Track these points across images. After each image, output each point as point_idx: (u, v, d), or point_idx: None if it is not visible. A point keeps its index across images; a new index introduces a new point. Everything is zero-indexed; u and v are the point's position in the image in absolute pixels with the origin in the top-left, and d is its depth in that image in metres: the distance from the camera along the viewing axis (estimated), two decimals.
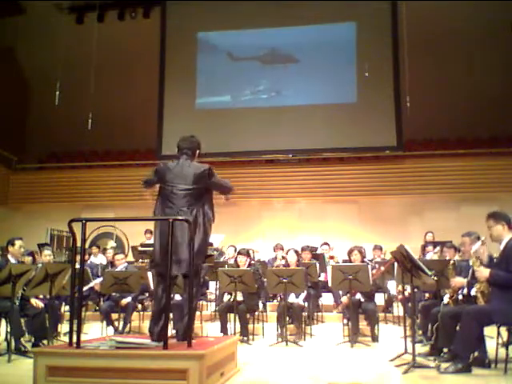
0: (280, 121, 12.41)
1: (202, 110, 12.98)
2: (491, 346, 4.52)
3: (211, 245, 6.91)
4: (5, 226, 12.25)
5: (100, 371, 3.47)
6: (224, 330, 6.47)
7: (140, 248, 8.53)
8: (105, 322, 6.93)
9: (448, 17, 12.50)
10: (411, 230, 11.55)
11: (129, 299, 6.92)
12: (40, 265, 6.03)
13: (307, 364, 5.02)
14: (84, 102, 12.86)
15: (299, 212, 12.62)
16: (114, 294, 6.94)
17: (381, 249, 8.98)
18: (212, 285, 8.39)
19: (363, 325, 6.71)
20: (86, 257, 9.14)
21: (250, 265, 6.93)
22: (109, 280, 6.64)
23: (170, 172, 4.25)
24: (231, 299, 6.56)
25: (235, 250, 8.24)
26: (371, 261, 7.87)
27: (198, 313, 7.15)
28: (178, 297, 6.18)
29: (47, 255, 7.00)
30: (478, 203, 10.68)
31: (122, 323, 6.85)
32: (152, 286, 6.27)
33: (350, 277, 5.96)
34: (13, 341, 5.31)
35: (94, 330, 7.10)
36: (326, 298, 8.26)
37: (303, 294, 6.72)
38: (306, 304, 6.87)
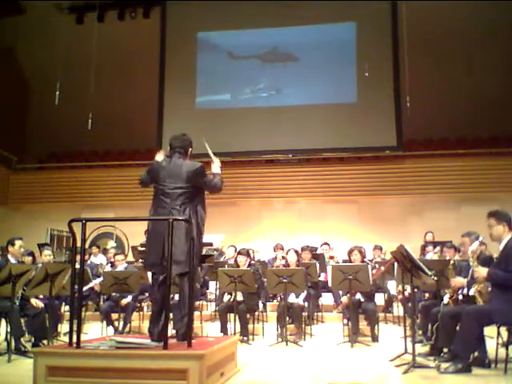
0: (280, 121, 12.41)
1: (202, 109, 12.98)
2: (491, 346, 4.52)
3: (211, 245, 6.92)
4: (5, 226, 12.25)
5: (100, 371, 3.48)
6: (224, 330, 6.48)
7: (140, 248, 8.52)
8: (105, 322, 6.94)
9: (448, 17, 12.50)
10: (411, 229, 11.54)
11: (129, 299, 6.93)
12: (40, 265, 6.03)
13: (307, 364, 5.02)
14: (84, 101, 12.86)
15: (299, 212, 12.62)
16: (113, 294, 6.94)
17: (381, 249, 8.98)
18: (212, 285, 8.39)
19: (363, 325, 6.71)
20: (86, 257, 9.14)
21: (250, 265, 6.93)
22: (109, 280, 6.64)
23: (163, 170, 4.22)
24: (231, 299, 6.56)
25: (235, 250, 8.23)
26: (371, 261, 7.87)
27: (197, 313, 7.20)
28: (178, 297, 6.18)
29: (47, 255, 7.01)
30: (478, 203, 10.67)
31: (121, 323, 6.86)
32: None
33: (350, 277, 5.96)
34: (13, 341, 5.31)
35: (94, 330, 7.10)
36: (326, 298, 8.26)
37: (303, 294, 6.72)
38: (306, 304, 6.87)
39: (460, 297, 5.02)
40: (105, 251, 10.12)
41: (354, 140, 12.16)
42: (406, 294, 6.22)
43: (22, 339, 5.47)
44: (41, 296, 6.05)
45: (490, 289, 4.49)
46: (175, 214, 4.02)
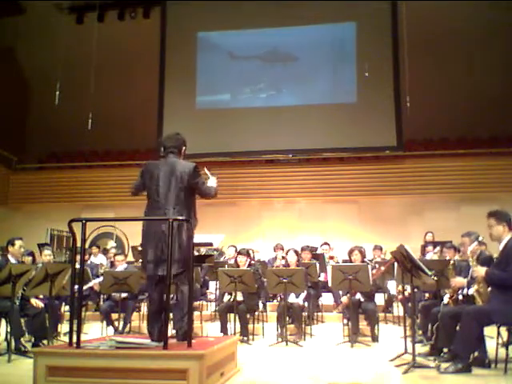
0: (280, 121, 12.41)
1: (202, 109, 12.98)
2: (491, 346, 4.52)
3: (211, 245, 6.92)
4: (5, 226, 12.25)
5: (100, 371, 3.48)
6: (224, 330, 6.48)
7: (140, 248, 8.52)
8: (105, 322, 6.94)
9: (448, 17, 12.50)
10: (411, 229, 11.54)
11: (125, 294, 6.89)
12: (40, 265, 6.03)
13: (307, 364, 5.02)
14: (84, 102, 12.86)
15: (299, 212, 12.62)
16: (113, 294, 6.95)
17: (381, 249, 8.98)
18: (212, 285, 8.40)
19: (363, 325, 6.71)
20: (86, 257, 9.15)
21: (250, 265, 6.93)
22: (109, 280, 6.64)
23: (157, 170, 4.18)
24: (231, 299, 6.56)
25: (236, 250, 8.23)
26: (371, 261, 7.87)
27: (197, 313, 7.21)
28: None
29: (47, 255, 7.01)
30: (478, 203, 10.67)
31: (121, 323, 6.86)
32: None
33: (350, 277, 5.96)
34: (13, 341, 5.31)
35: (94, 330, 7.10)
36: (326, 298, 8.26)
37: (303, 294, 6.72)
38: (306, 304, 6.87)
39: (460, 297, 5.03)
40: (105, 251, 10.12)
41: (353, 140, 12.15)
42: (406, 293, 6.23)
43: (22, 339, 5.47)
44: (41, 296, 6.05)
45: (489, 289, 4.50)
46: (169, 215, 4.01)
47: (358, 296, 6.46)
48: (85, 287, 7.17)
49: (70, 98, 13.04)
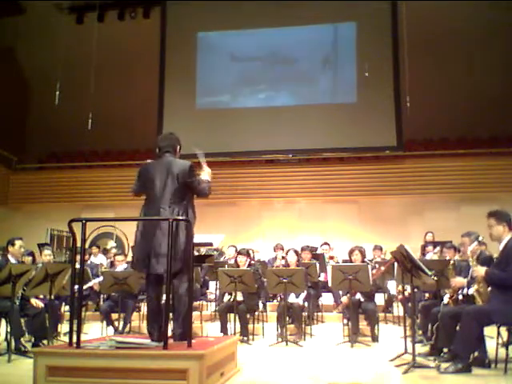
0: (280, 121, 12.41)
1: (202, 109, 12.98)
2: (491, 346, 4.52)
3: (211, 245, 6.92)
4: (5, 226, 12.25)
5: (100, 371, 3.47)
6: (224, 330, 6.48)
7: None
8: (105, 322, 6.94)
9: (448, 17, 12.50)
10: (411, 229, 11.54)
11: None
12: (40, 265, 6.03)
13: (307, 364, 5.02)
14: (84, 102, 12.86)
15: (299, 212, 12.62)
16: (113, 293, 6.95)
17: (381, 249, 8.97)
18: (212, 285, 8.40)
19: (363, 325, 6.71)
20: (86, 257, 9.14)
21: (250, 265, 6.93)
22: (109, 280, 6.65)
23: (153, 169, 4.18)
24: (231, 299, 6.56)
25: (236, 250, 8.23)
26: (371, 261, 7.87)
27: (197, 313, 7.21)
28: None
29: (47, 255, 7.01)
30: (478, 203, 10.67)
31: (121, 323, 6.86)
32: None
33: (350, 277, 5.96)
34: (13, 341, 5.31)
35: (94, 330, 7.10)
36: (326, 298, 8.26)
37: (303, 294, 6.72)
38: (306, 304, 6.87)
39: (460, 297, 5.03)
40: (105, 251, 10.12)
41: (353, 140, 12.15)
42: (406, 294, 6.22)
43: (22, 339, 5.47)
44: (41, 296, 6.05)
45: (489, 289, 4.50)
46: (163, 214, 4.00)
47: (358, 296, 6.46)
48: (85, 287, 7.17)
49: (70, 98, 13.05)
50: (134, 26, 13.70)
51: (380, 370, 4.58)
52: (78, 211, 12.49)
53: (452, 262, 5.53)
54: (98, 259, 9.71)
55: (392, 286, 7.77)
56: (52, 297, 5.88)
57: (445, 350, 4.85)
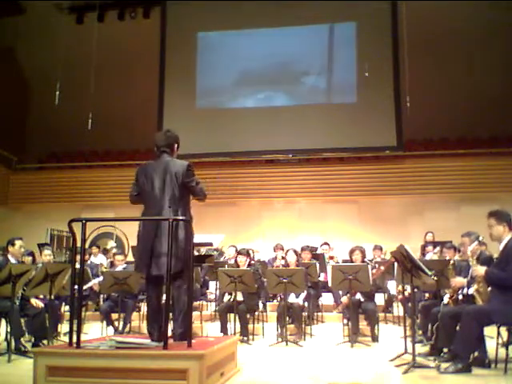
0: (280, 121, 12.41)
1: (202, 109, 12.97)
2: (491, 346, 4.52)
3: (211, 245, 6.92)
4: (5, 226, 12.24)
5: (100, 371, 3.47)
6: (224, 330, 6.48)
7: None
8: (105, 322, 6.94)
9: (448, 17, 12.50)
10: (411, 229, 11.54)
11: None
12: (40, 265, 6.03)
13: (307, 364, 5.02)
14: (84, 102, 12.85)
15: (299, 212, 12.62)
16: (112, 294, 6.94)
17: (381, 249, 8.97)
18: (212, 285, 8.39)
19: (363, 325, 6.71)
20: (86, 257, 9.14)
21: (249, 265, 6.93)
22: (109, 280, 6.64)
23: (151, 171, 4.17)
24: (231, 299, 6.56)
25: (236, 250, 8.23)
26: (371, 261, 7.87)
27: (197, 313, 7.21)
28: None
29: (47, 255, 7.01)
30: (478, 203, 10.67)
31: (121, 323, 6.85)
32: None
33: (350, 277, 5.96)
34: (13, 341, 5.31)
35: (94, 330, 7.10)
36: (326, 298, 8.26)
37: (303, 294, 6.72)
38: (306, 304, 6.87)
39: (460, 297, 5.03)
40: (105, 251, 10.12)
41: (353, 140, 12.15)
42: (406, 294, 6.23)
43: (22, 339, 5.47)
44: (41, 296, 6.05)
45: (489, 289, 4.50)
46: (163, 215, 4.00)
47: (358, 296, 6.46)
48: (84, 287, 7.17)
49: (70, 98, 13.04)
50: (133, 25, 13.69)
51: (380, 370, 4.58)
52: (78, 211, 12.49)
53: (452, 262, 5.54)
54: (97, 259, 9.70)
55: (392, 286, 7.77)
56: (52, 297, 5.88)
57: (445, 350, 4.85)
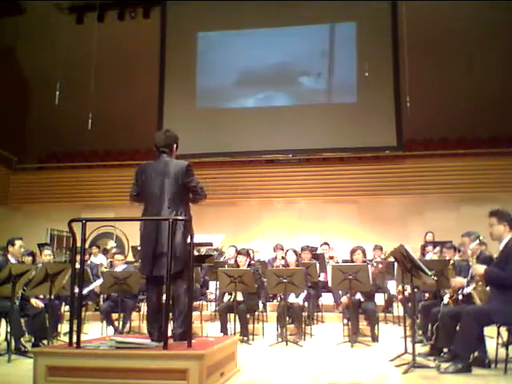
0: (280, 121, 12.41)
1: (202, 109, 12.97)
2: (491, 346, 4.52)
3: (211, 245, 6.93)
4: (5, 226, 12.24)
5: (100, 371, 3.47)
6: (224, 330, 6.48)
7: (139, 248, 8.50)
8: (105, 322, 6.94)
9: (448, 17, 12.50)
10: (411, 229, 11.54)
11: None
12: (40, 265, 6.03)
13: (307, 364, 5.02)
14: (84, 102, 12.85)
15: (299, 212, 12.62)
16: (112, 294, 6.94)
17: (381, 249, 8.97)
18: (212, 285, 8.39)
19: (363, 325, 6.71)
20: (86, 257, 9.14)
21: (249, 265, 6.93)
22: (109, 280, 6.64)
23: (149, 170, 4.17)
24: (231, 299, 6.56)
25: (236, 250, 8.23)
26: (371, 261, 7.87)
27: (197, 313, 7.21)
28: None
29: (47, 255, 7.01)
30: (478, 203, 10.67)
31: (121, 323, 6.85)
32: None
33: (350, 277, 5.96)
34: (13, 341, 5.31)
35: (94, 330, 7.10)
36: (326, 298, 8.26)
37: (303, 294, 6.72)
38: (306, 304, 6.87)
39: (460, 297, 5.02)
40: (105, 251, 10.12)
41: (354, 140, 12.15)
42: (406, 294, 6.23)
43: (22, 339, 5.47)
44: (41, 296, 6.05)
45: (487, 288, 4.50)
46: (163, 216, 3.99)
47: (358, 296, 6.46)
48: (85, 291, 7.17)
49: (70, 98, 13.04)
50: (133, 25, 13.69)
51: (380, 370, 4.58)
52: (78, 211, 12.49)
53: (452, 262, 5.54)
54: (98, 259, 9.70)
55: (392, 286, 7.77)
56: (52, 297, 5.88)
57: (445, 350, 4.85)
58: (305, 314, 6.78)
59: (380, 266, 6.81)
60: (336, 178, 12.31)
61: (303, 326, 6.64)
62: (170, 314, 3.99)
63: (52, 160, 14.90)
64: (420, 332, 5.88)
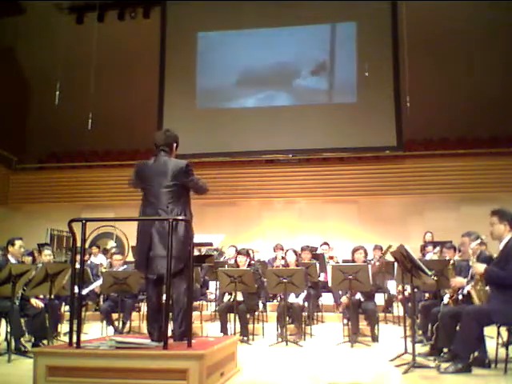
0: (280, 121, 12.41)
1: (202, 109, 12.97)
2: (491, 346, 4.52)
3: (211, 245, 6.92)
4: (5, 226, 12.25)
5: (100, 371, 3.47)
6: (224, 330, 6.48)
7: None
8: (105, 322, 6.93)
9: (448, 17, 12.50)
10: (411, 229, 11.54)
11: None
12: (40, 265, 6.03)
13: (307, 364, 5.02)
14: (84, 102, 12.85)
15: (299, 212, 12.62)
16: (112, 294, 6.94)
17: (381, 249, 8.97)
18: (212, 285, 8.39)
19: (363, 325, 6.71)
20: (86, 257, 9.14)
21: (249, 265, 6.93)
22: (108, 280, 6.64)
23: (148, 170, 4.16)
24: (231, 299, 6.56)
25: (236, 250, 8.23)
26: (370, 261, 7.87)
27: (197, 313, 7.21)
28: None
29: (47, 255, 7.01)
30: (478, 203, 10.68)
31: (121, 323, 6.85)
32: None
33: (350, 277, 5.96)
34: (13, 341, 5.31)
35: (94, 330, 7.10)
36: (326, 298, 8.27)
37: (303, 294, 6.72)
38: (306, 304, 6.87)
39: (460, 297, 5.02)
40: (105, 251, 10.12)
41: (354, 140, 12.15)
42: (406, 294, 6.23)
43: (22, 339, 5.47)
44: (41, 296, 6.05)
45: (487, 288, 4.50)
46: (162, 215, 3.99)
47: (358, 296, 6.46)
48: (85, 291, 7.17)
49: (70, 98, 13.04)
50: (133, 26, 13.69)
51: (380, 370, 4.58)
52: (78, 211, 12.49)
53: (452, 261, 5.54)
54: (98, 259, 9.70)
55: (392, 286, 7.77)
56: (52, 297, 5.88)
57: (445, 350, 4.85)
58: (305, 313, 6.78)
59: (377, 263, 6.80)
60: (336, 177, 12.31)
61: (303, 325, 6.64)
62: (170, 314, 3.99)
63: (52, 160, 14.90)
64: (420, 332, 5.88)
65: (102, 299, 7.78)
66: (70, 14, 13.89)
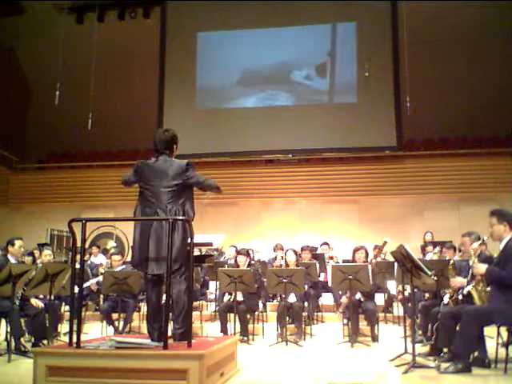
0: (280, 121, 12.41)
1: (202, 109, 12.98)
2: (491, 346, 4.52)
3: (211, 245, 6.91)
4: (5, 226, 12.25)
5: (100, 371, 3.47)
6: (224, 329, 6.48)
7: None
8: (105, 322, 6.93)
9: (448, 17, 12.49)
10: (411, 229, 11.54)
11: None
12: (40, 265, 6.03)
13: (307, 364, 5.02)
14: (84, 102, 12.85)
15: (299, 212, 12.61)
16: (111, 294, 6.94)
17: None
18: (212, 285, 8.39)
19: (363, 325, 6.72)
20: (86, 257, 9.14)
21: (249, 265, 6.93)
22: (109, 280, 6.64)
23: (148, 169, 4.14)
24: (231, 299, 6.56)
25: (236, 250, 8.23)
26: (371, 260, 7.86)
27: (197, 313, 7.21)
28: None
29: (47, 255, 7.01)
30: (478, 203, 10.68)
31: (121, 323, 6.85)
32: None
33: (350, 277, 5.96)
34: (13, 341, 5.31)
35: (94, 330, 7.10)
36: (326, 298, 8.26)
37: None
38: (306, 304, 6.87)
39: (460, 297, 5.02)
40: (105, 251, 10.12)
41: (354, 140, 12.15)
42: (406, 294, 6.23)
43: (22, 339, 5.47)
44: (41, 296, 6.05)
45: (488, 288, 4.50)
46: (161, 214, 3.99)
47: (358, 296, 6.46)
48: (84, 285, 7.17)
49: (70, 98, 13.02)
50: (133, 26, 13.68)
51: (380, 370, 4.59)
52: (78, 211, 12.48)
53: (452, 262, 5.54)
54: (98, 259, 9.70)
55: (392, 286, 7.77)
56: (52, 297, 5.88)
57: (445, 350, 4.85)
58: (305, 313, 6.78)
59: (374, 261, 6.81)
60: (336, 177, 12.31)
61: (303, 325, 6.64)
62: (170, 314, 3.98)
63: (52, 160, 14.91)
64: (420, 332, 5.88)
65: (102, 299, 7.78)
66: (69, 14, 13.87)
